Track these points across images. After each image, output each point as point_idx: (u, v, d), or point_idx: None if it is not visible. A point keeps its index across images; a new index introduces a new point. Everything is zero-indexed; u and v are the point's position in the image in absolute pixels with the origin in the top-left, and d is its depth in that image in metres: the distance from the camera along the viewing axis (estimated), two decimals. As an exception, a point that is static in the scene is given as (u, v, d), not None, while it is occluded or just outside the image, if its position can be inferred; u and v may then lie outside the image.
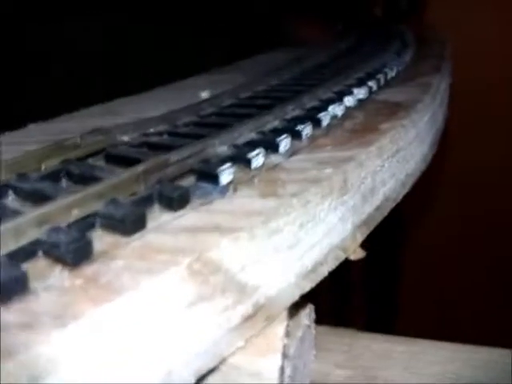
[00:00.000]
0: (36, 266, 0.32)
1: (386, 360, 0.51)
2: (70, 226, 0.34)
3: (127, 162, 0.44)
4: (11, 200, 0.41)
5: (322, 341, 0.51)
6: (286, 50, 1.13)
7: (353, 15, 1.52)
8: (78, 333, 0.27)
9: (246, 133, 0.50)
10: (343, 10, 1.62)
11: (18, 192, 0.41)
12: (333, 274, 0.44)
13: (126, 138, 0.51)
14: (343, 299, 1.70)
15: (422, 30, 1.26)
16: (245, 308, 0.35)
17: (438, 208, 1.69)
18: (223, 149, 0.47)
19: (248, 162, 0.45)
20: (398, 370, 0.50)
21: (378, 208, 0.50)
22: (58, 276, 0.31)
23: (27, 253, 0.32)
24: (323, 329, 0.52)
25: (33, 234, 0.33)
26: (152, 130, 0.53)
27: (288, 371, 0.40)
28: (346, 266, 0.46)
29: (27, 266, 0.31)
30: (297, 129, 0.51)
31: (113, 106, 0.71)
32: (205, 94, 0.72)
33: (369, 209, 0.48)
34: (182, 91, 0.78)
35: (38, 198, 0.38)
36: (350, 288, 1.72)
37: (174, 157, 0.43)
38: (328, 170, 0.44)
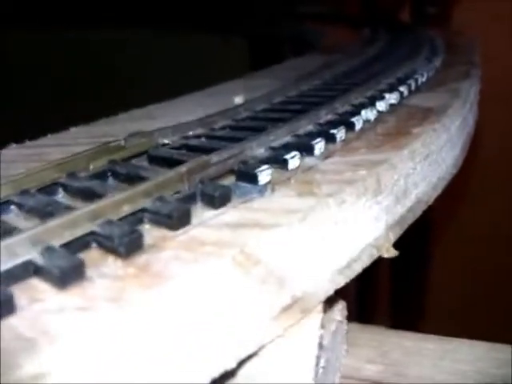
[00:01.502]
0: (90, 256, 0.34)
1: (416, 357, 0.52)
2: (120, 220, 0.36)
3: (169, 162, 0.46)
4: (61, 197, 0.44)
5: (352, 337, 0.52)
6: (316, 56, 1.15)
7: (380, 20, 1.53)
8: (133, 315, 0.29)
9: (281, 136, 0.52)
10: (370, 15, 1.64)
11: (68, 190, 0.44)
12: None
13: (166, 141, 0.53)
14: (368, 298, 1.70)
15: (451, 35, 1.27)
16: (283, 299, 0.37)
17: (467, 209, 1.68)
18: (260, 151, 0.49)
19: (284, 164, 0.47)
20: (428, 366, 0.51)
21: (410, 209, 0.51)
22: (112, 265, 0.33)
23: (81, 244, 0.35)
24: (354, 326, 0.54)
25: (87, 227, 0.35)
26: (191, 133, 0.55)
27: (322, 362, 0.41)
28: (372, 265, 0.48)
29: (82, 256, 0.33)
30: (331, 132, 0.53)
31: (150, 110, 0.73)
32: (238, 99, 0.74)
33: (401, 210, 0.50)
34: (215, 96, 0.80)
35: (88, 195, 0.41)
36: (375, 288, 1.72)
37: (214, 158, 0.45)
38: (362, 172, 0.46)
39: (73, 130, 0.66)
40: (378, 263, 0.48)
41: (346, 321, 0.50)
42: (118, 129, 0.62)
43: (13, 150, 0.59)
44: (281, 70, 1.04)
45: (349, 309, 0.50)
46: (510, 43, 1.59)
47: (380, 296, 1.78)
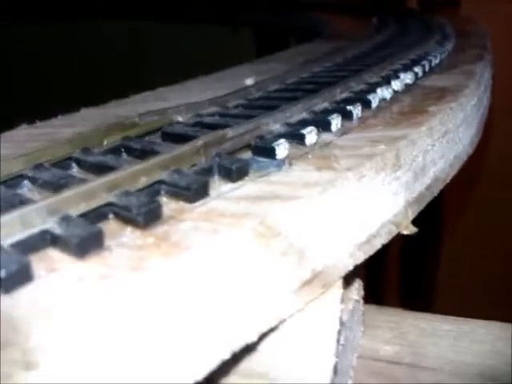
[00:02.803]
0: (108, 227, 0.33)
1: (433, 337, 0.51)
2: (138, 191, 0.35)
3: (183, 139, 0.45)
4: (75, 171, 0.43)
5: (369, 318, 0.52)
6: (324, 42, 1.14)
7: (388, 8, 1.52)
8: (154, 284, 0.28)
9: (297, 112, 0.51)
10: (379, 3, 1.62)
11: (82, 164, 0.43)
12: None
13: (180, 119, 0.52)
14: (378, 277, 1.69)
15: (461, 21, 1.25)
16: (304, 273, 0.36)
17: (479, 190, 1.67)
18: (276, 126, 0.48)
19: (302, 139, 0.46)
20: (445, 347, 0.50)
21: (428, 187, 0.50)
22: (130, 235, 0.32)
23: (98, 215, 0.34)
24: (370, 307, 0.53)
25: (104, 198, 0.34)
26: (204, 112, 0.55)
27: (341, 340, 0.40)
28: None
29: (100, 226, 0.32)
30: (347, 109, 0.52)
31: (161, 92, 0.72)
32: (250, 81, 0.73)
33: (420, 187, 0.49)
34: (225, 79, 0.79)
35: (102, 169, 0.40)
36: (385, 266, 1.71)
37: (230, 132, 0.44)
38: (381, 147, 0.45)
39: (83, 111, 0.65)
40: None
41: (362, 300, 0.49)
42: (129, 110, 0.61)
43: (23, 130, 0.58)
44: (288, 55, 1.03)
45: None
46: None
47: (390, 270, 1.76)
